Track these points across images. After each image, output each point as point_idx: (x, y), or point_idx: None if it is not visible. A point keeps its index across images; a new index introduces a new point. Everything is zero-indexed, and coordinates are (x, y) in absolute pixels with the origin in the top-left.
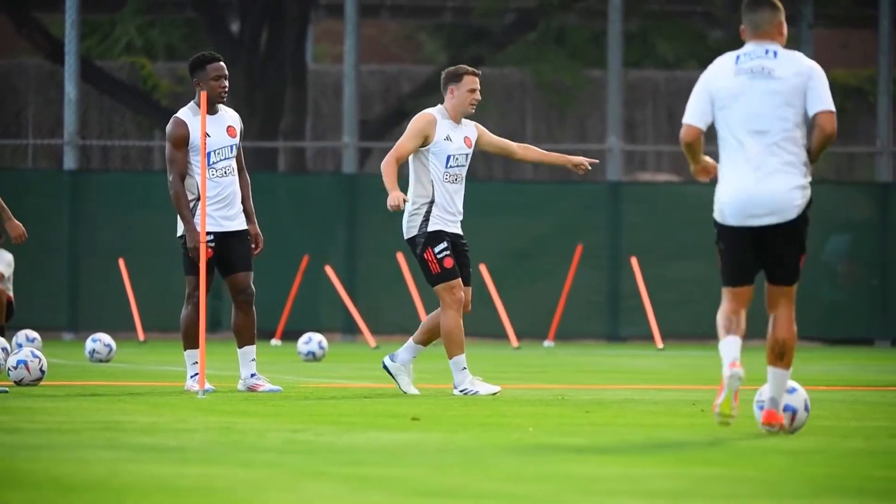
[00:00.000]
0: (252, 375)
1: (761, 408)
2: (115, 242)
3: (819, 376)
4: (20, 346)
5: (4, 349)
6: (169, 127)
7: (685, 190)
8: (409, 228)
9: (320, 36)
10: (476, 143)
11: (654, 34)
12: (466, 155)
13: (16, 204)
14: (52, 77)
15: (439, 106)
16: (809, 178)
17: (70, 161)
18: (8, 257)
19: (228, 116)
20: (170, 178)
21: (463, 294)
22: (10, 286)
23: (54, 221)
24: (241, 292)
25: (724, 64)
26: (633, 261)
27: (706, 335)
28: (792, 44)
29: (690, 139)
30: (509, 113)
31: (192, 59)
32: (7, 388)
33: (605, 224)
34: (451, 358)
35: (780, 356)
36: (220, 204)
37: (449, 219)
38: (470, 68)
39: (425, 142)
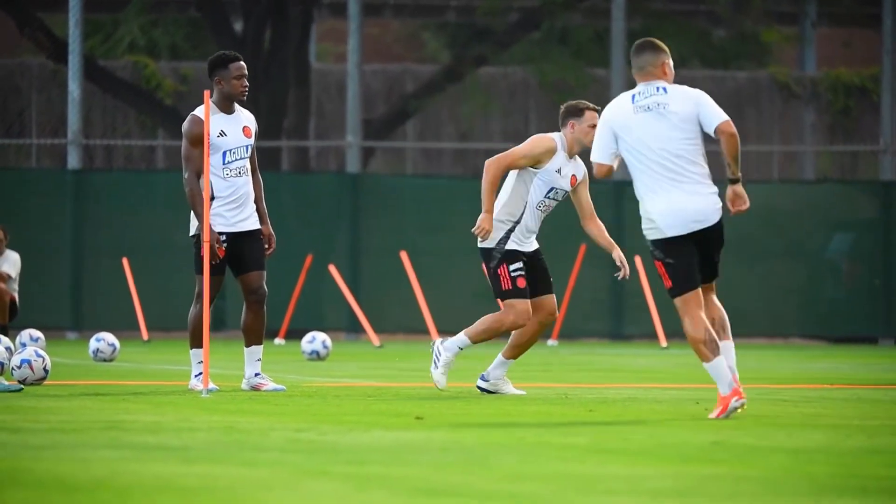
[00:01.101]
0: (256, 375)
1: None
2: (119, 242)
3: (822, 374)
4: (24, 345)
5: (8, 348)
6: (186, 124)
7: None
8: (490, 237)
9: (323, 35)
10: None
11: (657, 33)
12: (566, 192)
13: (19, 203)
14: (56, 76)
15: (559, 134)
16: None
17: (73, 160)
18: (14, 257)
19: (244, 117)
20: (185, 175)
21: (530, 310)
22: (16, 286)
23: (58, 221)
24: (254, 292)
25: (622, 104)
26: (637, 260)
27: None
28: (795, 43)
29: (603, 175)
30: (513, 112)
31: (213, 58)
32: (21, 386)
33: (609, 223)
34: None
35: (726, 330)
36: (234, 204)
37: (526, 238)
38: (591, 104)
39: (536, 164)
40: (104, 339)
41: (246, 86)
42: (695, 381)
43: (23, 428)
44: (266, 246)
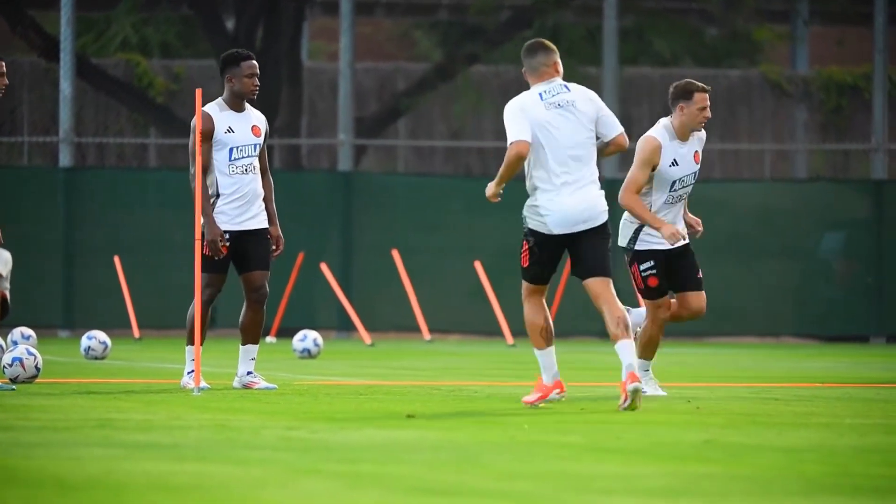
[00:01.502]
0: (249, 373)
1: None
2: (111, 240)
3: (814, 373)
4: (15, 343)
5: (0, 346)
6: (194, 119)
7: None
8: (622, 235)
9: (315, 33)
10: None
11: (649, 31)
12: (694, 174)
13: (11, 201)
14: (47, 75)
15: (666, 121)
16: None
17: (65, 158)
18: (6, 256)
19: (255, 116)
20: (191, 170)
21: (668, 305)
22: (7, 284)
23: (49, 219)
24: (255, 290)
25: (532, 99)
26: None
27: (703, 333)
28: (787, 41)
29: (525, 152)
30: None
31: (225, 55)
32: (14, 386)
33: None
34: (641, 358)
35: (626, 328)
36: (240, 202)
37: (660, 239)
38: (700, 84)
39: (655, 168)
40: (96, 338)
41: (257, 84)
42: (687, 380)
43: (14, 426)
44: (273, 247)
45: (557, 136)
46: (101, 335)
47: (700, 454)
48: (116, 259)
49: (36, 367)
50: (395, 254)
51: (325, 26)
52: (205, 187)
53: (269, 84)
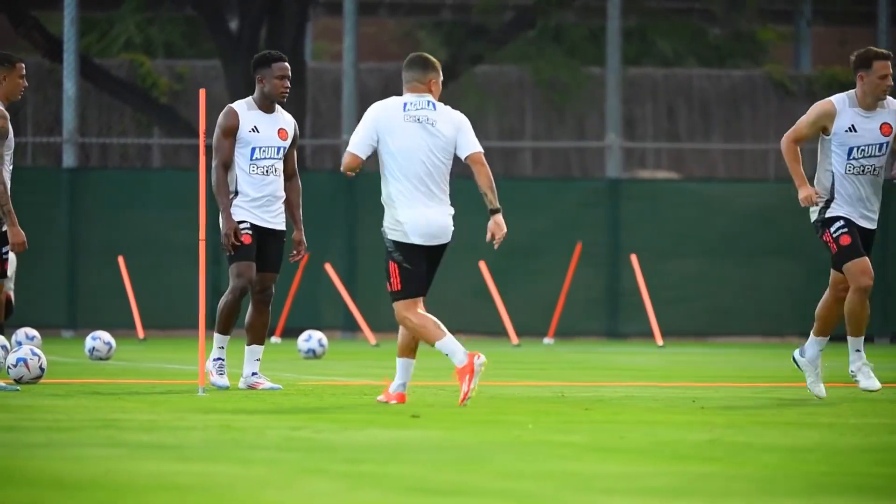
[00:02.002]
0: (253, 374)
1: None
2: (115, 240)
3: None
4: (20, 343)
5: (4, 347)
6: (221, 116)
7: (685, 187)
8: (812, 212)
9: (319, 34)
10: None
11: (652, 31)
12: (881, 145)
13: (15, 202)
14: (51, 75)
15: (844, 94)
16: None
17: (69, 159)
18: (11, 256)
19: (283, 118)
20: (213, 163)
21: (867, 267)
22: (12, 284)
23: (53, 219)
24: (262, 291)
25: (393, 109)
26: (633, 258)
27: (707, 332)
28: (790, 41)
29: (354, 166)
30: (508, 111)
31: (258, 56)
32: (18, 387)
33: (605, 221)
34: (851, 336)
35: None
36: (259, 202)
37: (854, 208)
38: (881, 51)
39: (824, 132)
40: (100, 338)
41: (287, 87)
42: (691, 380)
43: (18, 426)
44: (294, 252)
45: (409, 149)
46: (105, 336)
47: (703, 454)
48: (120, 259)
49: (40, 367)
50: None
51: (328, 26)
52: (227, 182)
53: None
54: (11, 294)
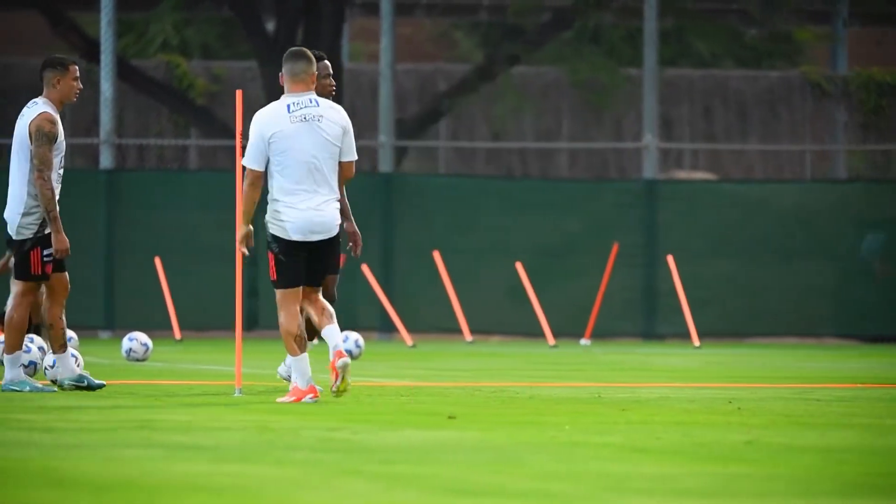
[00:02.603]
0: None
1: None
2: (152, 241)
3: (855, 374)
4: None
5: (41, 348)
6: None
7: (721, 188)
8: None
9: (356, 34)
10: None
11: (689, 32)
12: None
13: None
14: (88, 76)
15: None
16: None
17: (106, 160)
18: None
19: None
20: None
21: None
22: None
23: (90, 220)
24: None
25: (277, 112)
26: (670, 259)
27: (743, 333)
28: (827, 42)
29: (258, 181)
30: (545, 112)
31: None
32: (55, 388)
33: (642, 222)
34: None
35: (330, 317)
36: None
37: None
38: None
39: None
40: (137, 339)
41: (333, 84)
42: (728, 381)
43: (55, 427)
44: (350, 244)
45: (299, 149)
46: (142, 337)
47: (740, 455)
48: (157, 260)
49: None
50: (437, 255)
51: (365, 27)
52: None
53: None
54: None
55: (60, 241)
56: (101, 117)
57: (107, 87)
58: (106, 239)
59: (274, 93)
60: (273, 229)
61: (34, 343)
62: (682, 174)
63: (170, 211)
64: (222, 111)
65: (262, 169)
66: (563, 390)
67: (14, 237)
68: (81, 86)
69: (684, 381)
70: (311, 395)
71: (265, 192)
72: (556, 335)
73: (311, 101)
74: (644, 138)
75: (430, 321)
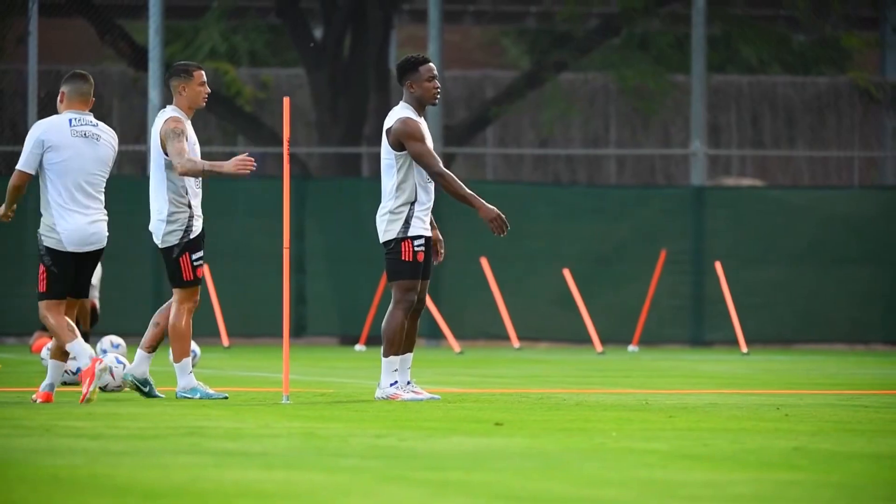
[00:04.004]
0: (408, 382)
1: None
2: None
3: None
4: (105, 352)
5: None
6: (405, 124)
7: (769, 194)
8: None
9: (404, 41)
10: None
11: (737, 38)
12: None
13: None
14: (136, 84)
15: None
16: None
17: None
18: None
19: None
20: (434, 170)
21: None
22: (97, 293)
23: (139, 228)
24: (421, 300)
25: (59, 125)
26: (718, 265)
27: (791, 339)
28: (875, 48)
29: (22, 183)
30: (593, 118)
31: (401, 62)
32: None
33: (689, 229)
34: None
35: (74, 331)
36: (428, 209)
37: None
38: None
39: None
40: None
41: (438, 87)
42: (776, 387)
43: (103, 434)
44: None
45: (77, 162)
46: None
47: (788, 461)
48: (206, 267)
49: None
50: (484, 261)
51: (413, 34)
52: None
53: (357, 92)
54: (97, 302)
55: (228, 173)
56: (148, 125)
57: (154, 94)
58: (153, 246)
59: (321, 100)
60: (47, 241)
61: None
62: (730, 181)
63: (218, 218)
64: (270, 118)
65: (33, 173)
66: (611, 397)
67: (161, 246)
68: (209, 90)
69: (732, 387)
70: (98, 363)
71: (37, 203)
72: (603, 342)
73: (91, 122)
74: (692, 145)
75: (478, 328)
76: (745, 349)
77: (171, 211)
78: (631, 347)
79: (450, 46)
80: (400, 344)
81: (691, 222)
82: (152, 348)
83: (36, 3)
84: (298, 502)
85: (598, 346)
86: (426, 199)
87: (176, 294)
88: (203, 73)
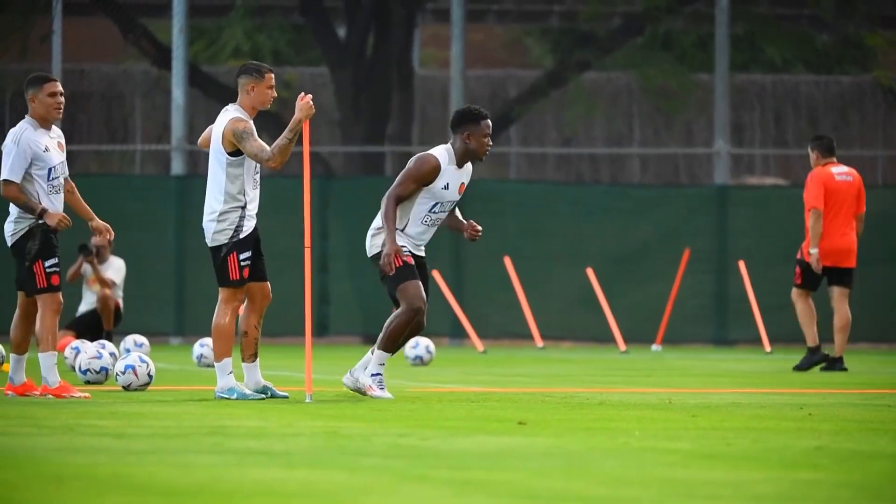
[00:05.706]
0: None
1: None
2: None
3: None
4: (128, 351)
5: (113, 354)
6: (422, 163)
7: (792, 193)
8: None
9: (427, 41)
10: None
11: (760, 38)
12: None
13: (124, 209)
14: (159, 83)
15: None
16: None
17: (177, 166)
18: (119, 263)
19: (466, 171)
20: (388, 192)
21: None
22: (120, 292)
23: (161, 227)
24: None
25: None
26: (741, 264)
27: None
28: None
29: (11, 195)
30: (616, 117)
31: (463, 111)
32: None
33: (713, 228)
34: None
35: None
36: (422, 243)
37: None
38: None
39: None
40: (208, 345)
41: (490, 144)
42: (799, 387)
43: (126, 433)
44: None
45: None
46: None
47: (811, 461)
48: None
49: (148, 374)
50: (507, 261)
51: (436, 34)
52: (395, 214)
53: (380, 91)
54: (120, 302)
55: (298, 120)
56: (172, 123)
57: (178, 93)
58: (176, 245)
59: (345, 99)
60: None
61: (105, 349)
62: (753, 180)
63: None
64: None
65: (20, 181)
66: (634, 396)
67: (210, 245)
68: (276, 94)
69: (755, 386)
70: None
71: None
72: (626, 341)
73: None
74: (715, 144)
75: (501, 327)
76: (768, 348)
77: (222, 210)
78: (654, 347)
79: (473, 45)
80: (396, 344)
81: (715, 221)
82: (253, 356)
83: (60, 1)
84: (320, 501)
85: (622, 346)
86: (417, 239)
87: (222, 293)
88: (273, 76)
